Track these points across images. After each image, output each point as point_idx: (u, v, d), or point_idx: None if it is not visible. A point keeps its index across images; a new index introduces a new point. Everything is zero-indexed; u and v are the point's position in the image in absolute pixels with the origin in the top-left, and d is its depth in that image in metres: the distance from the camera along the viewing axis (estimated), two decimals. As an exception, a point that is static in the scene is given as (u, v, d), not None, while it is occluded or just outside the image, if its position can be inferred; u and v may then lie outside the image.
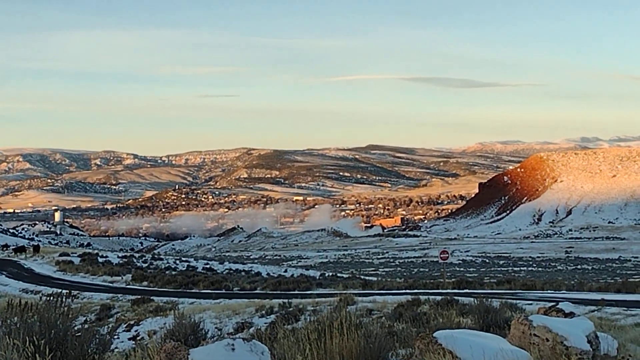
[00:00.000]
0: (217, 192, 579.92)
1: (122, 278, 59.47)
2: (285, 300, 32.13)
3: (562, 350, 11.42)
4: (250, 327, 24.84)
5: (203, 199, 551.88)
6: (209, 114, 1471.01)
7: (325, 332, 9.81)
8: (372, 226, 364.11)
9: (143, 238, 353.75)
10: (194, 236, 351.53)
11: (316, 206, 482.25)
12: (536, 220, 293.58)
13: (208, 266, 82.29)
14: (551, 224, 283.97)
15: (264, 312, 29.90)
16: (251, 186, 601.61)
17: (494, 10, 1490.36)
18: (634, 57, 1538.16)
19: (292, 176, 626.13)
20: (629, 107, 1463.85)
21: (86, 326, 10.63)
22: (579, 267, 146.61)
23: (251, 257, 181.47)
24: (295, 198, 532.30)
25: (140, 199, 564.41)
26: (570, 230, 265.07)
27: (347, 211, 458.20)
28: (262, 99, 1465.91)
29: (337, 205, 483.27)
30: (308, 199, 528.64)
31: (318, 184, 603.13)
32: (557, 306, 16.65)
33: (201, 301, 38.31)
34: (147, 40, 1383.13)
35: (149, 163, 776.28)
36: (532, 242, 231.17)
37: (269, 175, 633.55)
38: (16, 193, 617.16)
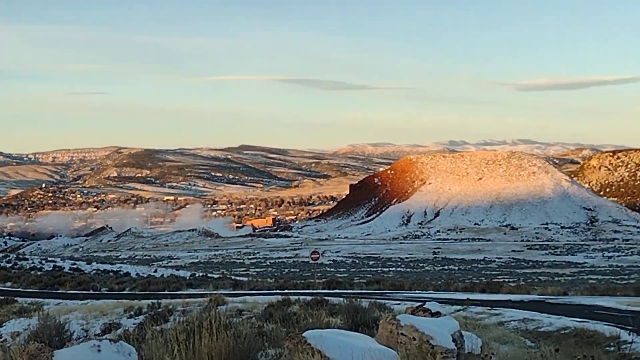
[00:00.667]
0: (85, 191, 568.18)
1: (-16, 279, 57.68)
2: (155, 301, 31.75)
3: (428, 349, 11.65)
4: (118, 329, 24.41)
5: (71, 198, 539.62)
6: (77, 111, 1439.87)
7: (195, 332, 9.74)
8: (243, 226, 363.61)
9: (7, 237, 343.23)
10: (60, 236, 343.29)
11: (187, 206, 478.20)
12: (405, 222, 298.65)
13: (75, 266, 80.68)
14: (420, 225, 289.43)
15: (132, 312, 29.46)
16: (121, 185, 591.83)
17: (365, 13, 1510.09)
18: (498, 63, 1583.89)
19: (163, 175, 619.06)
20: (494, 112, 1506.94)
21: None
22: (445, 267, 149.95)
23: (120, 257, 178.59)
24: (166, 198, 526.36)
25: (4, 198, 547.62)
26: (438, 231, 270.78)
27: (218, 211, 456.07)
28: (132, 97, 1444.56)
29: (209, 205, 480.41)
30: (179, 198, 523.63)
31: (189, 184, 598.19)
32: (424, 306, 16.97)
33: (67, 302, 37.43)
34: (12, 35, 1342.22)
35: (14, 161, 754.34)
36: (401, 243, 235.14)
37: (139, 175, 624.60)
38: None
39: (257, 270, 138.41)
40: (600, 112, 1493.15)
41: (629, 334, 15.45)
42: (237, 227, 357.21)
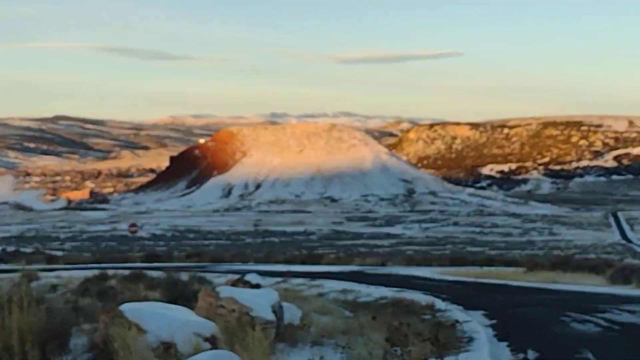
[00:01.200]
0: None
1: None
2: (-36, 276, 30.39)
3: (248, 321, 11.60)
4: None
5: None
6: None
7: (4, 307, 9.32)
8: (57, 199, 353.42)
9: None
10: None
11: (3, 179, 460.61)
12: (226, 194, 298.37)
13: None
14: (241, 197, 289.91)
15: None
16: None
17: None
18: (319, 37, 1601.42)
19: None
20: (315, 85, 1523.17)
21: None
22: (267, 239, 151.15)
23: None
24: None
25: None
26: (259, 203, 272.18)
27: (32, 183, 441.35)
28: None
29: (22, 178, 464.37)
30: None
31: (0, 155, 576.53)
32: (244, 278, 16.98)
33: None
34: None
35: None
36: (222, 215, 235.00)
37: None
38: None
39: (73, 244, 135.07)
40: (418, 86, 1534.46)
41: (444, 302, 15.94)
42: (52, 200, 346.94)
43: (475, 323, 15.66)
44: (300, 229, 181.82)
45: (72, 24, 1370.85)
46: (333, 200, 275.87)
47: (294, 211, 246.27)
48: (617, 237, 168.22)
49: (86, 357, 10.08)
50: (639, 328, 14.50)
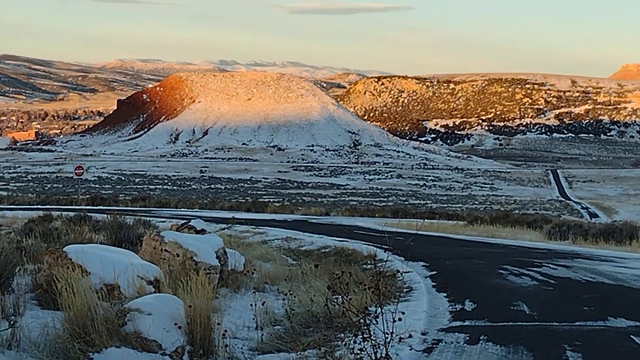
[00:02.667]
0: None
1: None
2: None
3: (192, 265, 11.75)
4: None
5: None
6: None
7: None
8: (8, 141, 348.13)
9: None
10: None
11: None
12: (173, 140, 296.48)
13: None
14: (188, 143, 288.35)
15: None
16: None
17: None
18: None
19: None
20: (265, 34, 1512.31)
21: None
22: (212, 186, 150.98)
23: None
24: None
25: None
26: (206, 150, 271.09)
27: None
28: None
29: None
30: None
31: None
32: (189, 223, 17.09)
33: None
34: None
35: None
36: (169, 160, 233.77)
37: None
38: None
39: (18, 184, 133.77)
40: (367, 38, 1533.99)
41: (385, 252, 16.17)
42: (7, 142, 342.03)
43: (415, 274, 15.96)
44: (246, 176, 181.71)
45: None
46: (280, 149, 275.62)
47: (241, 159, 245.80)
48: (555, 193, 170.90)
49: (29, 297, 10.14)
50: (573, 282, 14.90)
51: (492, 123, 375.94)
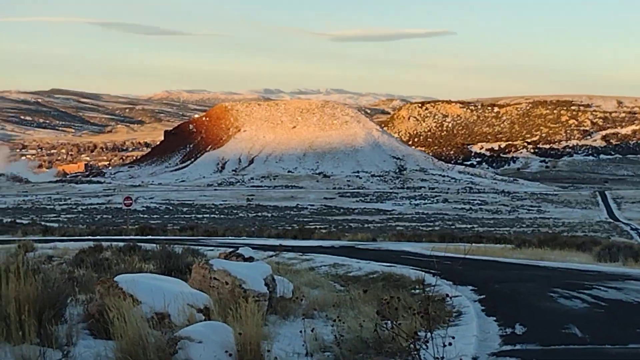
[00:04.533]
0: None
1: None
2: (-42, 248, 30.53)
3: (241, 293, 11.79)
4: None
5: None
6: None
7: (1, 277, 9.47)
8: (49, 170, 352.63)
9: None
10: None
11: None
12: (220, 169, 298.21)
13: None
14: (234, 172, 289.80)
15: None
16: None
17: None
18: (313, 14, 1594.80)
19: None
20: (309, 62, 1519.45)
21: None
22: (259, 214, 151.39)
23: None
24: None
25: None
26: (252, 178, 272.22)
27: (28, 156, 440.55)
28: None
29: (18, 150, 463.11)
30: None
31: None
32: (237, 251, 17.15)
33: None
34: None
35: None
36: (215, 189, 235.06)
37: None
38: None
39: (69, 216, 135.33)
40: (410, 64, 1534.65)
41: (434, 277, 16.13)
42: (42, 171, 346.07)
43: (464, 298, 15.86)
44: (293, 204, 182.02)
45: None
46: (325, 176, 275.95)
47: (287, 186, 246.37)
48: (604, 215, 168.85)
49: (81, 327, 10.25)
50: (625, 305, 14.72)
51: (538, 145, 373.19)
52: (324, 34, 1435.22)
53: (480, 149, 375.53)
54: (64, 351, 8.45)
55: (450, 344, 7.71)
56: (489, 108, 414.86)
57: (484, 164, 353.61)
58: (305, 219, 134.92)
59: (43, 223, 79.70)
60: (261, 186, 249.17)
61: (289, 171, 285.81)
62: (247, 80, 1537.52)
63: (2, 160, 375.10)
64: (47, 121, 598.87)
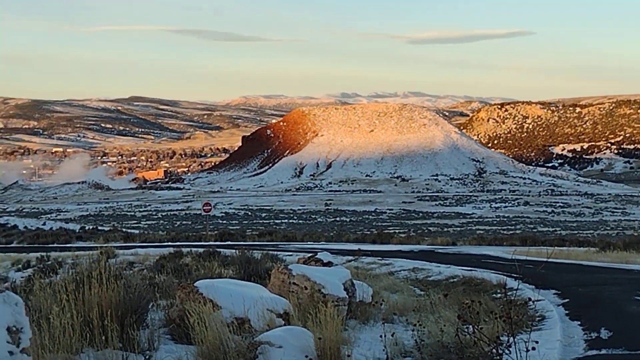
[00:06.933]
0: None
1: None
2: (44, 254, 31.20)
3: (320, 298, 11.76)
4: (5, 282, 23.90)
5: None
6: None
7: (84, 283, 9.60)
8: (134, 179, 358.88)
9: None
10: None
11: (76, 158, 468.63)
12: (297, 174, 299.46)
13: (-41, 220, 78.53)
14: (312, 177, 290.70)
15: (20, 266, 28.91)
16: (7, 137, 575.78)
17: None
18: (390, 17, 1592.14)
19: (52, 127, 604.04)
20: (386, 65, 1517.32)
21: None
22: (337, 219, 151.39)
23: (7, 210, 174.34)
24: (54, 149, 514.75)
25: None
26: (330, 183, 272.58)
27: (108, 163, 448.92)
28: (15, 46, 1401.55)
29: (99, 157, 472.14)
30: (68, 150, 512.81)
31: (79, 135, 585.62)
32: (316, 256, 17.13)
33: (-48, 256, 36.39)
34: None
35: None
36: (294, 194, 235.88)
37: (26, 126, 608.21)
38: None
39: (149, 222, 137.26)
40: (489, 65, 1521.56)
41: (515, 281, 15.88)
42: (121, 177, 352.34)
43: (547, 302, 15.60)
44: (371, 208, 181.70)
45: (145, 7, 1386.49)
46: (403, 179, 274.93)
47: (365, 191, 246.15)
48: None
49: (162, 332, 10.34)
50: None
51: (622, 146, 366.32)
52: (401, 36, 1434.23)
53: (562, 150, 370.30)
54: (146, 356, 8.54)
55: (533, 348, 7.57)
56: (571, 108, 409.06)
57: (566, 165, 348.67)
58: (383, 224, 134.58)
59: (124, 229, 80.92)
60: (339, 191, 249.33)
61: (366, 175, 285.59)
62: (324, 84, 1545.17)
63: (83, 167, 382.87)
64: (127, 128, 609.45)
